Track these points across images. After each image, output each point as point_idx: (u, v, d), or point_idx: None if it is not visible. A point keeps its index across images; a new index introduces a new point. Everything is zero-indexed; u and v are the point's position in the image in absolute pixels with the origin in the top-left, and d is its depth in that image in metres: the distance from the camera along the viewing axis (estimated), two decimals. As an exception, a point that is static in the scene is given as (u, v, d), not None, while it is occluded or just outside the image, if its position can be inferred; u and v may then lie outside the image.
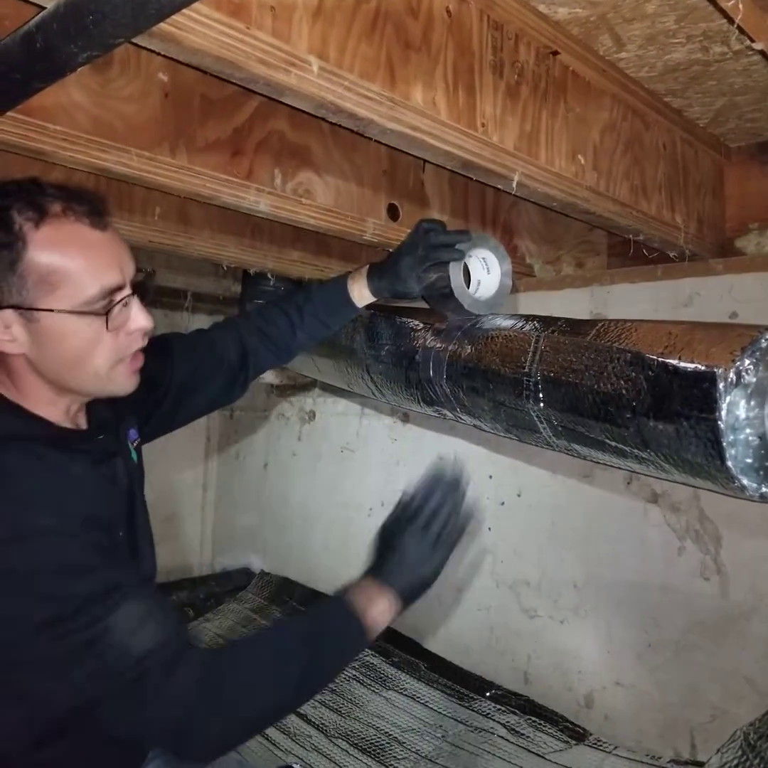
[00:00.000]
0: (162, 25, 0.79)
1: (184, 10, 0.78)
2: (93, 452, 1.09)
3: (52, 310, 0.96)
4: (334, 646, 1.12)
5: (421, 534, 1.20)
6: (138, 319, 1.04)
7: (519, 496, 2.33)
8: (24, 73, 0.85)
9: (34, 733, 1.05)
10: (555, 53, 1.39)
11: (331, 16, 1.01)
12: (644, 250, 1.93)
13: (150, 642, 0.94)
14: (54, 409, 1.05)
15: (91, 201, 1.00)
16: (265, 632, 1.07)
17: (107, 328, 1.00)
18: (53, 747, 1.05)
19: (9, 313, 0.97)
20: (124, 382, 1.07)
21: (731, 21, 0.73)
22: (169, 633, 0.98)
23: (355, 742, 1.99)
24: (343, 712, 2.14)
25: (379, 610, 1.13)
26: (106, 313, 0.99)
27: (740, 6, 0.68)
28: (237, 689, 1.00)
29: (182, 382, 1.37)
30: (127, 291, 1.02)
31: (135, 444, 1.23)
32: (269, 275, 2.49)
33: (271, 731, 2.09)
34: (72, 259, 0.97)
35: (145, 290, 1.08)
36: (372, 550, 1.24)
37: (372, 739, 2.00)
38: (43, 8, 0.80)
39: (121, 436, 1.20)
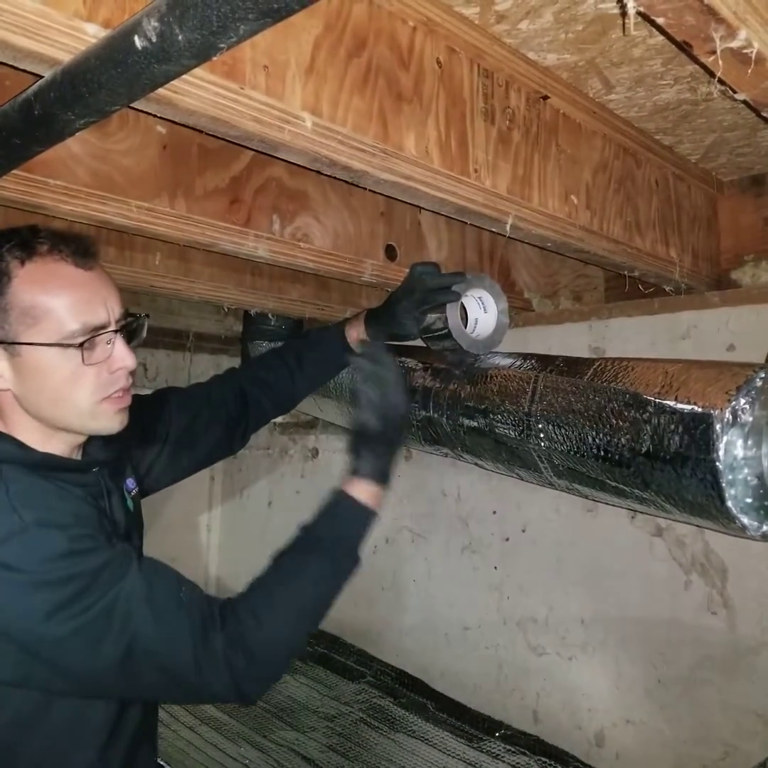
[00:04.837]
0: (158, 89, 0.81)
1: (179, 75, 0.79)
2: (87, 486, 1.09)
3: (32, 344, 0.99)
4: (339, 529, 1.18)
5: (369, 429, 1.23)
6: (121, 357, 1.06)
7: (523, 531, 2.32)
8: (23, 139, 0.87)
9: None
10: (545, 98, 1.41)
11: (323, 72, 1.03)
12: (640, 285, 1.94)
13: (168, 602, 0.99)
14: (44, 447, 1.06)
15: (79, 243, 1.04)
16: (271, 567, 1.15)
17: (83, 360, 1.01)
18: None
19: None
20: (109, 420, 1.07)
21: (712, 75, 0.75)
22: (191, 594, 1.02)
23: (364, 786, 1.97)
24: (351, 755, 2.11)
25: (361, 489, 1.18)
26: (81, 346, 1.01)
27: (720, 62, 0.70)
28: (268, 617, 1.05)
29: (180, 434, 1.38)
30: (112, 329, 1.04)
31: (133, 493, 1.23)
32: (270, 315, 2.51)
33: (278, 776, 2.07)
34: (53, 295, 1.00)
35: (134, 332, 1.11)
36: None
37: (381, 783, 1.97)
38: (40, 76, 0.83)
39: (117, 479, 1.20)
